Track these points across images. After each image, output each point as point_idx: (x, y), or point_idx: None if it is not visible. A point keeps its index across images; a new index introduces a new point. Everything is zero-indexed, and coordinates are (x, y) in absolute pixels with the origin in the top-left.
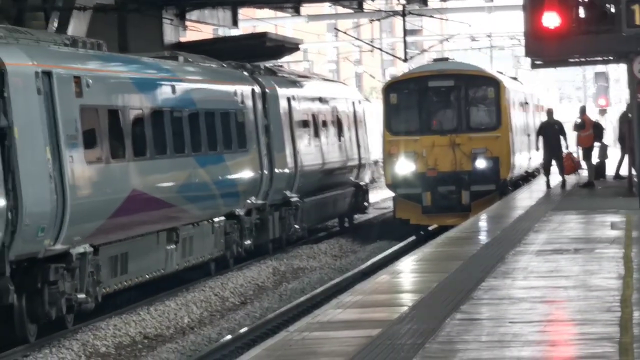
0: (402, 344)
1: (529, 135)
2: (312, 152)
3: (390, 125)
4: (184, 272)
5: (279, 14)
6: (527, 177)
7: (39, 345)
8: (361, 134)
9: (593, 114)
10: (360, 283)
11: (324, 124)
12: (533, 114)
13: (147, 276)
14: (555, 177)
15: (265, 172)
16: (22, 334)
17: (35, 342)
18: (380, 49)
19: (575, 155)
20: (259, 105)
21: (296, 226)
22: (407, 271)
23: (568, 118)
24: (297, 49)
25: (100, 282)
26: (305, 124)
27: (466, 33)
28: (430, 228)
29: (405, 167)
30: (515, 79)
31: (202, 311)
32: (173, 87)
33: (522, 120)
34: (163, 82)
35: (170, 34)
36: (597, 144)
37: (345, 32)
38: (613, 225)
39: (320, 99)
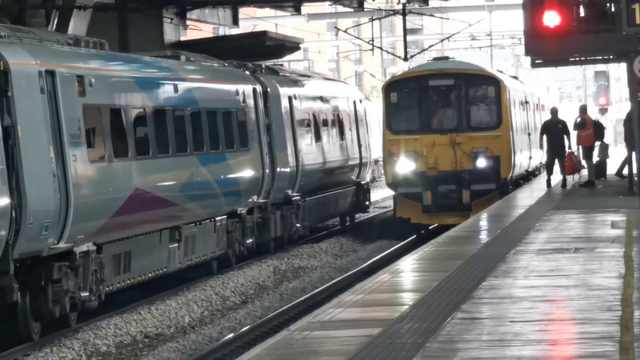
0: (402, 343)
1: (529, 135)
2: (313, 151)
3: (390, 124)
4: (186, 270)
5: (280, 13)
6: (528, 176)
7: (39, 345)
8: (362, 133)
9: (593, 113)
10: (361, 282)
11: (325, 123)
12: (533, 113)
13: (150, 275)
14: (557, 177)
15: (267, 171)
16: (25, 332)
17: (36, 342)
18: (381, 48)
19: (576, 154)
20: (261, 105)
21: (298, 225)
22: (408, 270)
23: (568, 117)
24: (298, 48)
25: (104, 281)
26: (306, 123)
27: (466, 32)
28: (430, 227)
29: (405, 166)
30: (515, 78)
31: (203, 310)
32: (175, 87)
33: (523, 120)
34: (165, 82)
35: (170, 33)
36: (597, 143)
37: (345, 31)
38: (613, 224)
39: (322, 98)
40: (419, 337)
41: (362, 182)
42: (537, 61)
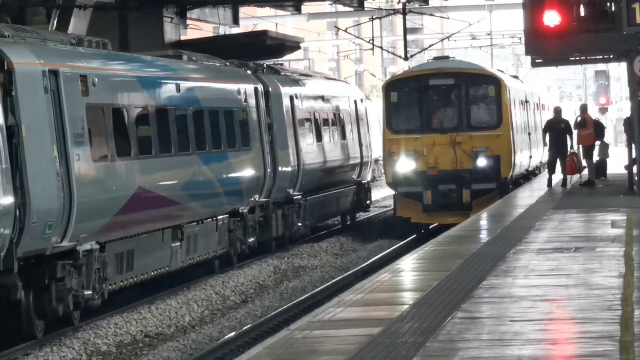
0: (403, 343)
1: (530, 134)
2: (314, 150)
3: (391, 124)
4: (188, 269)
5: (280, 12)
6: (528, 176)
7: (40, 344)
8: (363, 133)
9: (594, 113)
10: (361, 282)
11: (327, 122)
12: (534, 112)
13: (152, 273)
14: (558, 176)
15: (269, 170)
16: (29, 330)
17: (37, 341)
18: (381, 48)
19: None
20: (263, 104)
21: (299, 224)
22: (408, 270)
23: (569, 117)
24: (298, 47)
25: (107, 279)
26: (308, 122)
27: (467, 32)
28: (431, 227)
29: (406, 165)
30: (516, 77)
31: (204, 310)
32: (178, 86)
33: (523, 119)
34: (168, 81)
35: (171, 32)
36: (598, 143)
37: (345, 31)
38: (614, 224)
39: (323, 98)
40: (419, 337)
41: (363, 182)
42: (537, 61)
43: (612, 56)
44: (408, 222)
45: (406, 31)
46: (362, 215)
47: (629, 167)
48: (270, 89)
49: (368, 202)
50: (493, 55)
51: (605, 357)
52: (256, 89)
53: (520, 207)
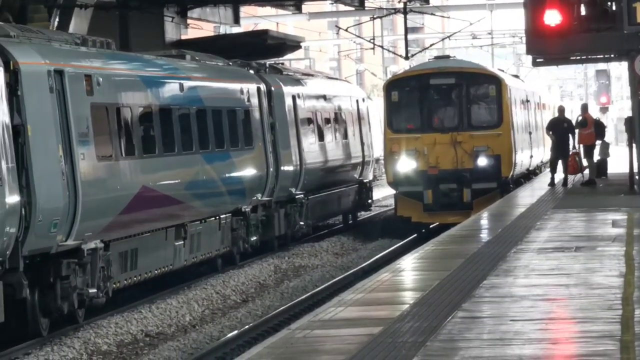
0: (403, 342)
1: (530, 133)
2: (316, 149)
3: (391, 123)
4: (191, 268)
5: (281, 11)
6: (529, 175)
7: (40, 343)
8: (365, 132)
9: (594, 112)
10: (362, 281)
11: (329, 121)
12: (535, 111)
13: (156, 272)
14: (559, 175)
15: (271, 169)
16: (34, 328)
17: (37, 340)
18: (382, 47)
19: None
20: (265, 103)
21: (301, 223)
22: (409, 269)
23: (569, 116)
24: (299, 46)
25: (111, 277)
26: (310, 121)
27: (467, 31)
28: (431, 226)
29: (406, 165)
30: (516, 76)
31: (204, 309)
32: (181, 85)
33: (524, 118)
34: (171, 81)
35: (171, 31)
36: (598, 142)
37: (346, 30)
38: (614, 223)
39: (325, 97)
40: (419, 336)
41: (365, 181)
42: (538, 60)
43: (612, 55)
44: (408, 221)
45: (407, 30)
46: (362, 215)
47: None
48: (273, 89)
49: (369, 201)
50: (494, 55)
51: (606, 357)
52: (259, 89)
53: (521, 207)
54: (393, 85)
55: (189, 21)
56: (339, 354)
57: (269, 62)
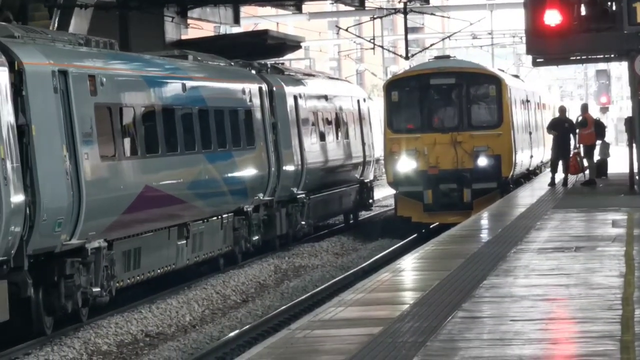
0: (403, 342)
1: (530, 133)
2: (318, 149)
3: (391, 123)
4: (193, 267)
5: (281, 11)
6: (529, 175)
7: (40, 343)
8: (366, 132)
9: (594, 112)
10: (362, 281)
11: (330, 121)
12: (535, 111)
13: (159, 271)
14: (560, 175)
15: (273, 169)
16: (39, 326)
17: (37, 340)
18: (382, 47)
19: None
20: (267, 103)
21: (303, 222)
22: (409, 269)
23: (569, 116)
24: (299, 46)
25: (114, 276)
26: (311, 121)
27: (467, 31)
28: (431, 226)
29: (406, 165)
30: (516, 76)
31: (204, 309)
32: (183, 86)
33: (524, 118)
34: (174, 81)
35: (171, 31)
36: (598, 142)
37: (346, 30)
38: (614, 223)
39: (326, 97)
40: (419, 336)
41: (366, 180)
42: (538, 60)
43: (612, 55)
44: (408, 221)
45: (407, 30)
46: (362, 215)
47: None
48: (274, 89)
49: (370, 200)
50: (494, 55)
51: (606, 357)
52: (260, 89)
53: (521, 207)
54: (393, 85)
55: (189, 21)
56: (339, 354)
57: (270, 62)
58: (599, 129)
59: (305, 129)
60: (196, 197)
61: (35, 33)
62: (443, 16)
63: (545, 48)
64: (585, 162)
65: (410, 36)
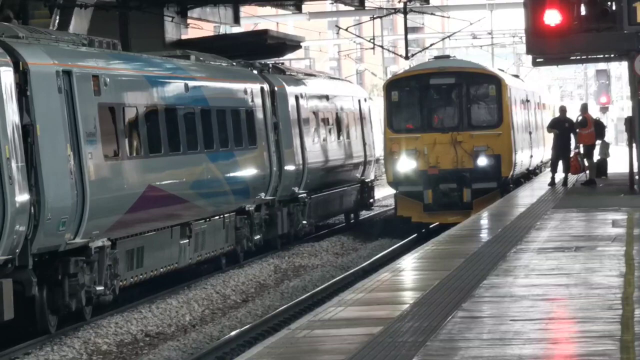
0: (403, 342)
1: (530, 133)
2: (319, 149)
3: (391, 123)
4: (195, 266)
5: (281, 11)
6: (529, 175)
7: (40, 343)
8: (366, 132)
9: (594, 112)
10: (362, 281)
11: (331, 121)
12: (535, 111)
13: (161, 270)
14: (560, 175)
15: (274, 168)
16: (43, 325)
17: (37, 340)
18: (382, 47)
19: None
20: (268, 103)
21: (304, 222)
22: (409, 269)
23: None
24: (299, 46)
25: (118, 275)
26: (312, 121)
27: (467, 30)
28: (431, 226)
29: (406, 164)
30: (516, 76)
31: (204, 309)
32: (186, 86)
33: (524, 118)
34: (176, 81)
35: (171, 31)
36: (598, 142)
37: (346, 30)
38: (614, 223)
39: (327, 97)
40: (419, 336)
41: (367, 180)
42: (538, 60)
43: (612, 55)
44: (408, 221)
45: (407, 30)
46: (363, 214)
47: None
48: (276, 88)
49: (371, 200)
50: (494, 54)
51: (606, 356)
52: (262, 88)
53: (521, 206)
54: (393, 85)
55: (189, 21)
56: (339, 353)
57: (270, 62)
58: (599, 128)
59: (306, 128)
60: (199, 197)
61: (40, 33)
62: (443, 16)
63: (545, 48)
64: (585, 162)
65: (410, 36)
